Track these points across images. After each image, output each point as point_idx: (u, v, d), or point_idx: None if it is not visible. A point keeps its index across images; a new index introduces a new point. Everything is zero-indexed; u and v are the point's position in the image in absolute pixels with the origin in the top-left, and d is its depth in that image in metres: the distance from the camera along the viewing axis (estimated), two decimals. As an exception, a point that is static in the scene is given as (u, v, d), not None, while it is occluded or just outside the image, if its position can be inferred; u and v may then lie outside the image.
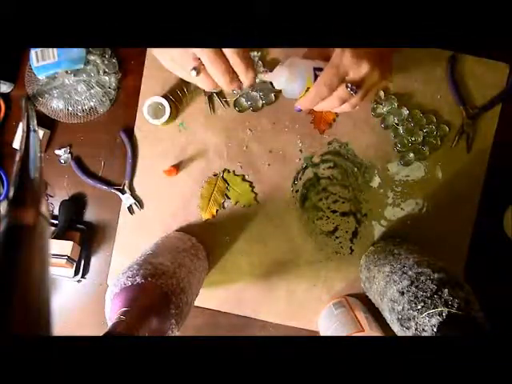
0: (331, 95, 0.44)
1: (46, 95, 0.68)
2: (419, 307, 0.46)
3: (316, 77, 0.45)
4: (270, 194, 0.69)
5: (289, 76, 0.44)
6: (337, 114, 0.68)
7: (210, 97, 0.68)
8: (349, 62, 0.43)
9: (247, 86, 0.44)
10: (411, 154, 0.67)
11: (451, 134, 0.68)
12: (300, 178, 0.68)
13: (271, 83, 0.46)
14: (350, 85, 0.44)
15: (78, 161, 0.70)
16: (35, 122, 0.38)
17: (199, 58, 0.39)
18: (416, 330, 0.45)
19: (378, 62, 0.44)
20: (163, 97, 0.65)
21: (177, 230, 0.69)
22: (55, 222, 0.69)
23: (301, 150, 0.68)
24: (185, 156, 0.69)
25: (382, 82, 0.47)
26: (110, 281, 0.70)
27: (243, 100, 0.68)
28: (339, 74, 0.43)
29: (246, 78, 0.41)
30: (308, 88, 0.45)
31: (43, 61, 0.65)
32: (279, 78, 0.45)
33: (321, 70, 0.45)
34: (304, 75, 0.45)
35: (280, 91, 0.68)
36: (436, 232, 0.68)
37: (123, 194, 0.69)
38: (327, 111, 0.68)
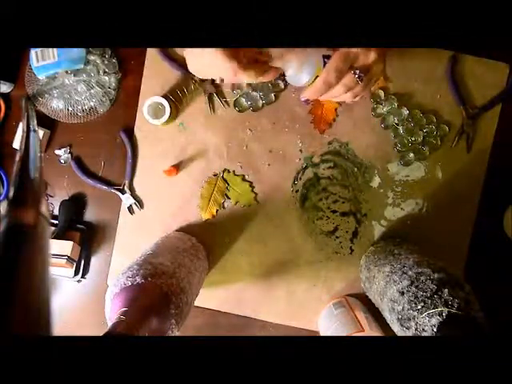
0: (339, 83, 0.44)
1: (46, 95, 0.68)
2: (419, 307, 0.46)
3: (325, 64, 0.44)
4: (270, 194, 0.69)
5: (299, 63, 0.44)
6: (337, 114, 0.68)
7: (209, 97, 0.68)
8: (358, 49, 0.43)
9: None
10: (411, 154, 0.67)
11: (451, 134, 0.68)
12: (300, 178, 0.68)
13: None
14: (357, 71, 0.43)
15: (78, 161, 0.70)
16: (35, 122, 0.38)
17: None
18: (416, 329, 0.45)
19: (382, 51, 0.45)
20: (163, 97, 0.65)
21: (177, 230, 0.69)
22: (55, 221, 0.68)
23: (301, 150, 0.68)
24: (185, 156, 0.69)
25: (382, 73, 0.47)
26: (110, 281, 0.70)
27: (243, 100, 0.68)
28: (349, 60, 0.43)
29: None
30: (317, 76, 0.44)
31: (43, 61, 0.65)
32: (289, 65, 0.44)
33: (329, 57, 0.44)
34: (314, 63, 0.44)
35: (280, 91, 0.68)
36: (436, 232, 0.68)
37: (123, 194, 0.69)
38: (327, 110, 0.68)
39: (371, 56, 0.44)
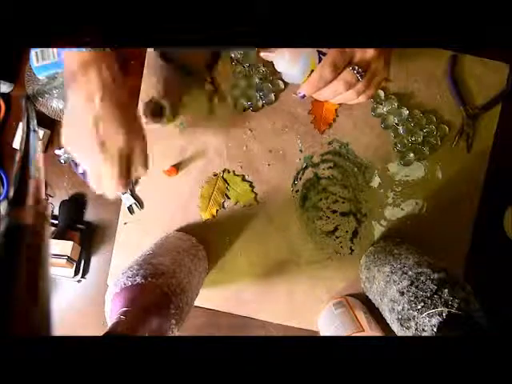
0: (336, 78, 0.43)
1: (46, 95, 0.68)
2: (419, 307, 0.46)
3: (321, 60, 0.43)
4: (270, 194, 0.69)
5: (291, 57, 0.42)
6: (337, 114, 0.68)
7: (210, 97, 0.68)
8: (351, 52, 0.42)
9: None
10: (411, 154, 0.67)
11: (451, 134, 0.68)
12: (300, 178, 0.68)
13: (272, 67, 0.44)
14: (356, 67, 0.42)
15: (78, 161, 0.70)
16: (35, 121, 0.38)
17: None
18: (416, 330, 0.45)
19: (382, 48, 0.43)
20: (163, 97, 0.65)
21: (177, 230, 0.69)
22: (55, 221, 0.68)
23: (301, 150, 0.68)
24: (185, 156, 0.69)
25: (385, 71, 0.45)
26: (110, 281, 0.70)
27: (243, 100, 0.68)
28: (344, 55, 0.42)
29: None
30: (312, 71, 0.43)
31: (43, 61, 0.65)
32: (281, 59, 0.43)
33: (325, 54, 0.43)
34: (307, 57, 0.43)
35: (281, 91, 0.68)
36: (436, 232, 0.68)
37: (123, 193, 0.69)
38: (327, 110, 0.68)
39: (369, 52, 0.42)
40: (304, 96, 0.45)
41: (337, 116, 0.68)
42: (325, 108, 0.68)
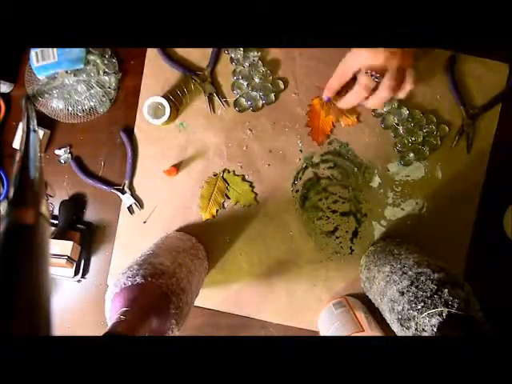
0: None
1: (46, 95, 0.68)
2: (419, 307, 0.46)
3: None
4: (270, 194, 0.69)
5: None
6: (334, 125, 0.68)
7: (209, 97, 0.68)
8: (363, 56, 0.48)
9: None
10: (411, 154, 0.67)
11: (451, 134, 0.68)
12: (300, 178, 0.68)
13: None
14: (369, 71, 0.48)
15: (78, 161, 0.70)
16: (35, 122, 0.38)
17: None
18: (416, 329, 0.45)
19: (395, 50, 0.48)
20: (163, 97, 0.65)
21: (177, 230, 0.69)
22: (55, 221, 0.69)
23: (301, 150, 0.68)
24: (185, 156, 0.69)
25: (408, 65, 0.51)
26: (110, 281, 0.70)
27: (243, 100, 0.68)
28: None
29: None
30: None
31: (43, 61, 0.65)
32: None
33: None
34: None
35: (280, 91, 0.68)
36: (436, 232, 0.68)
37: (123, 194, 0.69)
38: (324, 122, 0.67)
39: (379, 57, 0.47)
40: (329, 99, 0.51)
41: (333, 127, 0.68)
42: (321, 120, 0.67)
